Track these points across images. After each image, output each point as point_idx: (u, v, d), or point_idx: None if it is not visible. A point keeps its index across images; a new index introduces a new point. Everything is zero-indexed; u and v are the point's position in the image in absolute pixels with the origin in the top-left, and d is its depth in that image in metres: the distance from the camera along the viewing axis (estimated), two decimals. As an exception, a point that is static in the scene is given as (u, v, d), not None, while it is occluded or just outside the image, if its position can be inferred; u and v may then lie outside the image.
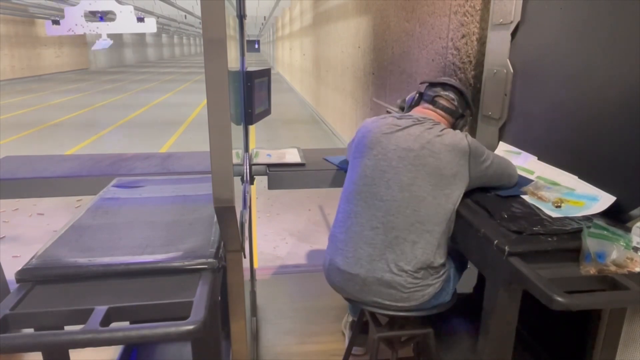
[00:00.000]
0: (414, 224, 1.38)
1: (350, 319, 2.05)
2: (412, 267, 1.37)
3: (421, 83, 1.74)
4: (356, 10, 5.24)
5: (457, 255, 1.53)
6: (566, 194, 1.40)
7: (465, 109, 1.66)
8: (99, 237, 1.29)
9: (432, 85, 1.68)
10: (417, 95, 1.71)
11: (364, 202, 1.45)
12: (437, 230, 1.38)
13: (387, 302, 1.41)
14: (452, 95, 1.63)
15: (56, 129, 8.25)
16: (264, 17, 23.75)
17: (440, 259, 1.40)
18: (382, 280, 1.39)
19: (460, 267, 1.55)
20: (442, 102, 1.63)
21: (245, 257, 1.28)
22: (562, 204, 1.34)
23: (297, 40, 14.02)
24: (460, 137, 1.44)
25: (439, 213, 1.38)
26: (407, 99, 1.79)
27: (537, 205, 1.37)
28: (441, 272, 1.41)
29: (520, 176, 1.59)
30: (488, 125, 1.98)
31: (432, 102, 1.64)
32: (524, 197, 1.44)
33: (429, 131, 1.45)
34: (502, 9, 1.84)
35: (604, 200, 1.31)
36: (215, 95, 0.94)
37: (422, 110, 1.64)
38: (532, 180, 1.54)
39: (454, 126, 1.65)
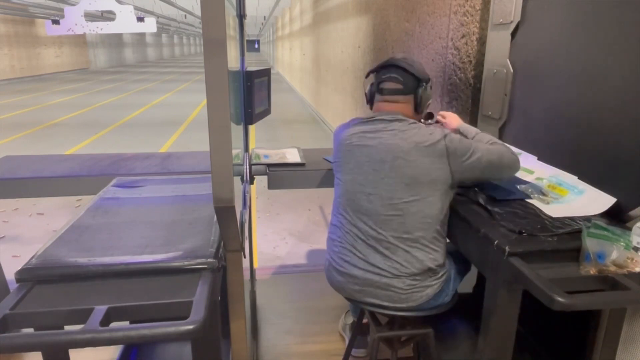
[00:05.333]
0: (402, 236, 1.36)
1: (350, 320, 2.05)
2: (409, 272, 1.36)
3: (367, 77, 1.58)
4: (356, 10, 5.24)
5: (459, 257, 1.52)
6: (555, 180, 1.45)
7: (416, 82, 1.46)
8: (99, 237, 1.29)
9: (376, 72, 1.51)
10: (370, 88, 1.55)
11: (350, 216, 1.45)
12: (427, 236, 1.37)
13: (386, 303, 1.41)
14: (394, 74, 1.46)
15: (56, 129, 8.25)
16: (264, 17, 23.75)
17: (437, 261, 1.39)
18: (379, 283, 1.39)
19: (463, 269, 1.55)
20: (388, 86, 1.47)
21: (245, 257, 1.28)
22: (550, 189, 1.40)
23: (297, 40, 14.01)
24: (436, 139, 1.33)
25: (426, 221, 1.36)
26: (366, 92, 1.61)
27: (536, 205, 1.37)
28: (440, 274, 1.41)
29: (515, 177, 1.57)
30: (488, 125, 1.98)
31: (381, 91, 1.49)
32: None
33: (400, 137, 1.36)
34: (502, 9, 1.84)
35: (604, 200, 1.30)
36: (215, 95, 0.94)
37: (380, 106, 1.50)
38: (526, 182, 1.55)
39: (418, 104, 1.48)
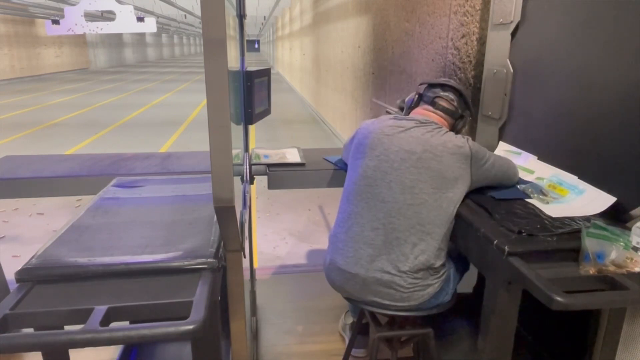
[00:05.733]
0: (414, 226, 1.38)
1: (349, 320, 2.05)
2: (412, 269, 1.37)
3: (420, 84, 1.73)
4: (356, 10, 5.24)
5: (458, 255, 1.53)
6: (555, 180, 1.46)
7: (464, 110, 1.66)
8: (99, 236, 1.29)
9: (432, 86, 1.67)
10: (417, 96, 1.70)
11: (365, 202, 1.45)
12: (438, 232, 1.38)
13: (387, 302, 1.41)
14: (451, 96, 1.63)
15: (56, 129, 8.25)
16: (264, 17, 23.75)
17: (440, 260, 1.40)
18: (382, 281, 1.39)
19: (462, 268, 1.55)
20: (442, 103, 1.62)
21: (245, 257, 1.28)
22: (550, 191, 1.41)
23: (297, 40, 14.02)
24: (462, 142, 1.43)
25: (441, 215, 1.38)
26: (406, 100, 1.78)
27: (536, 204, 1.37)
28: (441, 273, 1.42)
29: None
30: (488, 125, 1.99)
31: (432, 103, 1.63)
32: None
33: (431, 134, 1.45)
34: (502, 9, 1.84)
35: (604, 200, 1.30)
36: (215, 95, 0.94)
37: (422, 112, 1.63)
38: (526, 181, 1.55)
39: (453, 127, 1.64)
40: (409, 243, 1.37)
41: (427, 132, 1.46)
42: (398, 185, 1.41)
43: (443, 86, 1.65)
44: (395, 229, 1.39)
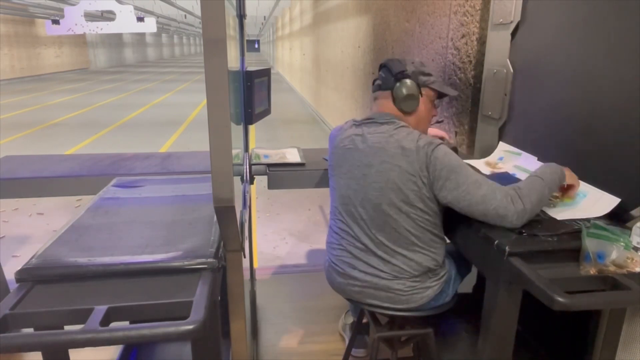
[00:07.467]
0: (397, 241, 1.35)
1: (350, 320, 2.05)
2: (409, 274, 1.36)
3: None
4: (356, 10, 5.24)
5: (459, 257, 1.52)
6: None
7: (392, 77, 1.45)
8: (99, 236, 1.29)
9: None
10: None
11: (347, 221, 1.45)
12: (423, 238, 1.35)
13: (386, 304, 1.41)
14: (380, 72, 1.51)
15: (56, 129, 8.25)
16: (264, 17, 23.75)
17: (436, 262, 1.39)
18: (380, 285, 1.39)
19: (463, 271, 1.54)
20: (375, 85, 1.52)
21: (245, 257, 1.28)
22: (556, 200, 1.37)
23: (297, 40, 14.02)
24: (421, 145, 1.29)
25: (418, 225, 1.33)
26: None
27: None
28: (440, 274, 1.41)
29: (516, 179, 1.54)
30: (488, 125, 1.98)
31: (374, 88, 1.53)
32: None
33: (387, 140, 1.34)
34: (502, 9, 1.84)
35: (608, 201, 1.30)
36: (215, 95, 0.94)
37: (372, 105, 1.54)
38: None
39: (393, 100, 1.46)
40: (399, 254, 1.36)
41: (383, 138, 1.36)
42: (369, 204, 1.37)
43: (380, 68, 1.53)
44: (383, 243, 1.37)
